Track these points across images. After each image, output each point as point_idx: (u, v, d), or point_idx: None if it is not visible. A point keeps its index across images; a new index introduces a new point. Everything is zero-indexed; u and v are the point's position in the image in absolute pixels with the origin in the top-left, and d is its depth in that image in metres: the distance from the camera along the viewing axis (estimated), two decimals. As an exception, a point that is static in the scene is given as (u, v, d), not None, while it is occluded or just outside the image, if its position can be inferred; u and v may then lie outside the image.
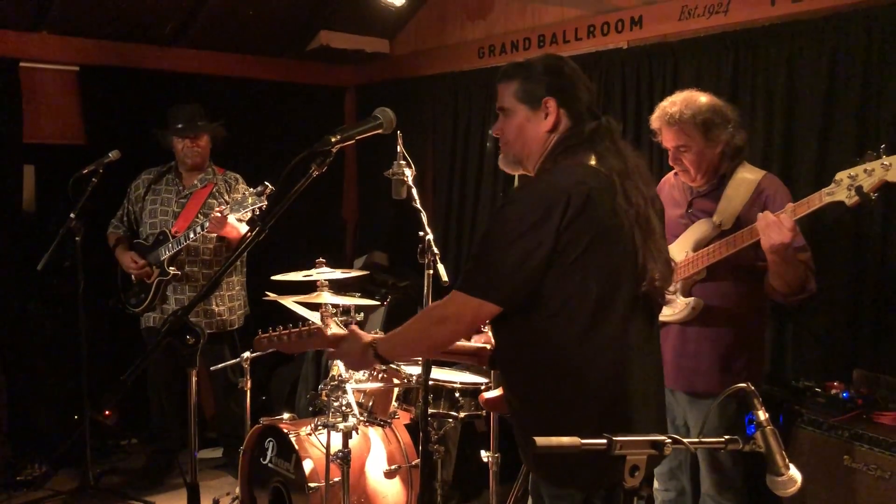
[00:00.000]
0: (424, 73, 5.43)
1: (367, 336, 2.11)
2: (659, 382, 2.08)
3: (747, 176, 2.75)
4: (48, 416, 4.65)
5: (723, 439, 1.44)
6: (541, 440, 1.29)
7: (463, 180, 5.18)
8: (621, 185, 1.92)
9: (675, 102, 2.76)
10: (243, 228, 3.97)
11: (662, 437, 1.36)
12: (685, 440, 1.39)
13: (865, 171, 2.34)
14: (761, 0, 3.52)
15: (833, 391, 2.94)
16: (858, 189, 2.34)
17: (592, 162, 1.94)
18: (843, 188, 2.39)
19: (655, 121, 2.81)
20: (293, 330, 2.15)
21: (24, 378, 4.58)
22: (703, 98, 2.76)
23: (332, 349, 2.15)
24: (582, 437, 1.34)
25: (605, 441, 1.32)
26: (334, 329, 2.15)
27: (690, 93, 2.80)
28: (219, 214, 3.78)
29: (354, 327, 2.17)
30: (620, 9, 4.16)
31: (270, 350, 2.21)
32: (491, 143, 4.98)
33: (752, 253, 2.63)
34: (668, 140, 2.78)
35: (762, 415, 1.45)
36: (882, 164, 2.31)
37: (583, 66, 4.43)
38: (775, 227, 2.43)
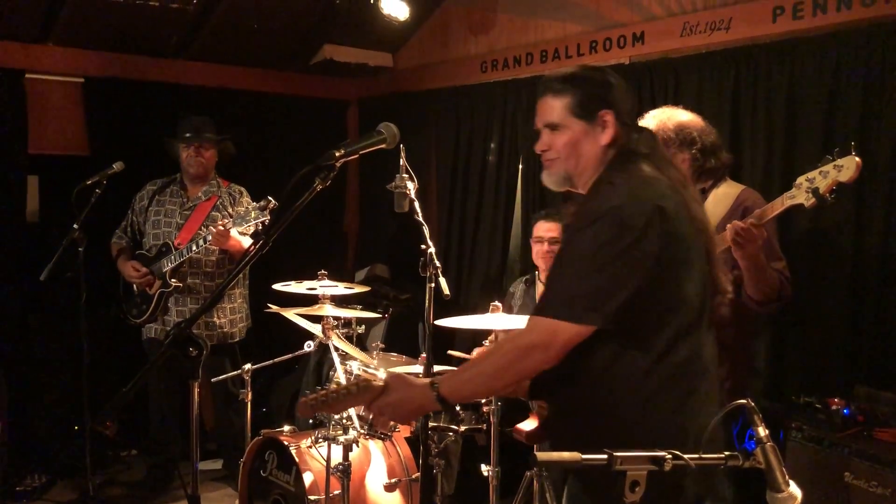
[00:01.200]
0: (427, 87, 5.46)
1: (419, 379, 1.89)
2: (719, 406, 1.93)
3: (728, 190, 2.81)
4: (48, 426, 4.65)
5: (723, 455, 1.44)
6: (542, 455, 1.29)
7: (465, 194, 5.19)
8: (685, 196, 1.90)
9: (652, 117, 2.83)
10: (246, 242, 3.98)
11: (662, 453, 1.37)
12: (685, 456, 1.39)
13: (821, 173, 2.44)
14: (763, 17, 3.54)
15: (834, 407, 2.93)
16: (815, 191, 2.43)
17: (658, 174, 1.90)
18: (802, 191, 2.47)
19: None
20: (339, 388, 1.88)
21: (25, 388, 4.58)
22: (677, 117, 2.81)
23: (381, 403, 1.87)
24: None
25: (605, 456, 1.32)
26: (381, 376, 1.92)
27: (667, 110, 2.86)
28: (222, 228, 3.79)
29: (402, 373, 1.96)
30: (622, 25, 4.19)
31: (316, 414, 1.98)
32: (494, 156, 5.00)
33: (730, 263, 2.66)
34: None
35: (762, 431, 1.45)
36: (835, 165, 2.41)
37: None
38: (743, 233, 2.49)
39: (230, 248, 3.99)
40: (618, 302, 1.77)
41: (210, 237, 3.84)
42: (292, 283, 3.62)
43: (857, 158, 2.38)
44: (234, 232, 3.84)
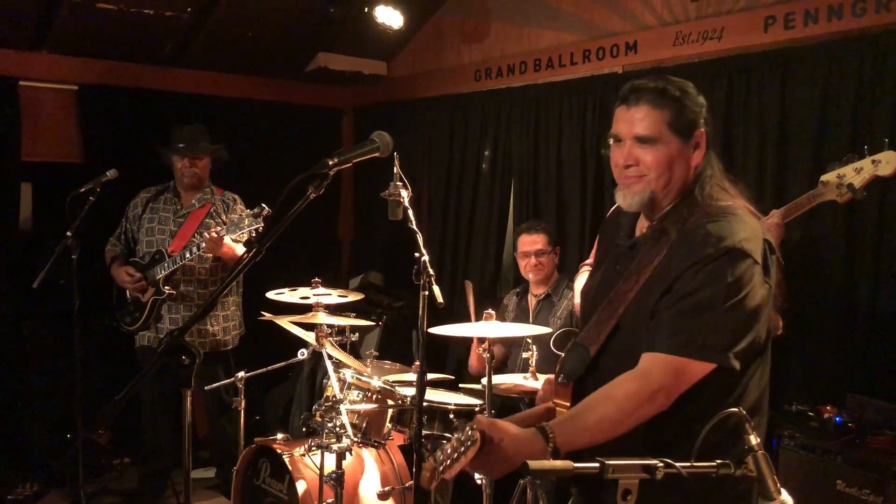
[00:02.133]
0: (421, 96, 5.47)
1: (522, 429, 1.65)
2: None
3: None
4: (40, 434, 4.62)
5: (715, 463, 1.44)
6: (533, 463, 1.29)
7: (459, 202, 5.20)
8: None
9: None
10: (240, 249, 3.98)
11: (654, 462, 1.37)
12: (677, 464, 1.39)
13: (855, 169, 2.45)
14: (754, 27, 3.57)
15: (826, 415, 2.95)
16: (850, 186, 2.43)
17: (742, 202, 1.83)
18: (831, 188, 2.49)
19: None
20: (453, 451, 1.58)
21: (18, 396, 4.56)
22: None
23: (492, 460, 1.60)
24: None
25: (597, 465, 1.32)
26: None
27: None
28: (215, 235, 3.79)
29: (494, 421, 1.66)
30: (616, 34, 4.21)
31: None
32: (488, 165, 5.01)
33: None
34: None
35: (753, 439, 1.46)
36: (872, 160, 2.41)
37: (578, 90, 4.51)
38: (772, 230, 2.48)
39: (223, 255, 3.98)
40: (750, 339, 1.72)
41: (203, 245, 3.84)
42: (286, 290, 3.62)
43: None
44: (227, 239, 3.83)
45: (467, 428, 1.58)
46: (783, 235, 2.52)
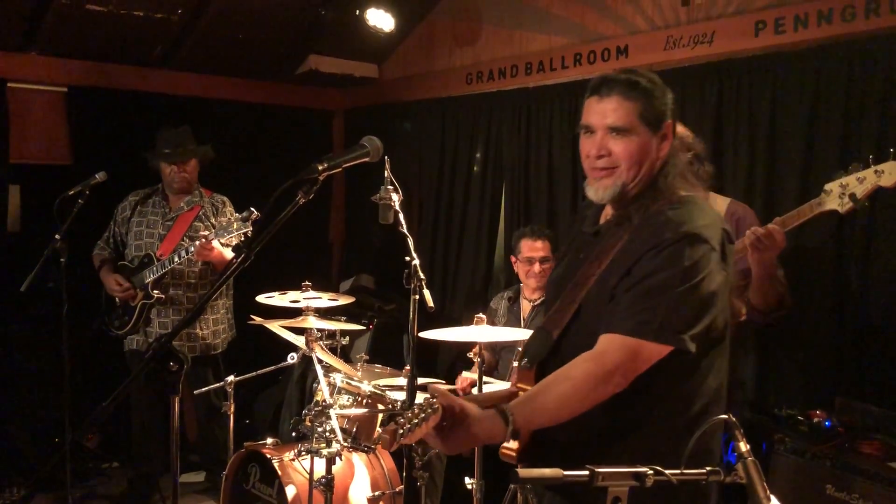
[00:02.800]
0: (412, 98, 5.47)
1: (484, 410, 1.68)
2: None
3: (714, 204, 2.82)
4: (28, 438, 4.59)
5: (704, 470, 1.44)
6: (524, 471, 1.29)
7: (450, 205, 5.20)
8: None
9: None
10: (229, 254, 3.95)
11: (644, 469, 1.37)
12: (667, 471, 1.39)
13: (858, 179, 2.43)
14: (745, 31, 3.58)
15: (815, 419, 2.96)
16: (853, 196, 2.42)
17: (702, 193, 1.87)
18: (833, 197, 2.47)
19: None
20: (416, 414, 1.59)
21: (5, 399, 4.53)
22: None
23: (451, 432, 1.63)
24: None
25: (587, 472, 1.32)
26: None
27: None
28: (204, 241, 3.77)
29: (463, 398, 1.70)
30: (606, 38, 4.22)
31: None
32: (479, 167, 5.01)
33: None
34: None
35: (743, 446, 1.45)
36: (875, 170, 2.40)
37: (569, 94, 4.51)
38: (766, 239, 2.49)
39: (213, 259, 3.96)
40: (706, 324, 1.74)
41: (192, 249, 3.82)
42: (275, 294, 3.60)
43: None
44: (216, 244, 3.82)
45: (428, 396, 1.60)
46: (784, 245, 2.50)
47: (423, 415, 1.59)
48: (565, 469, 1.36)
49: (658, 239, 1.75)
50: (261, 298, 3.59)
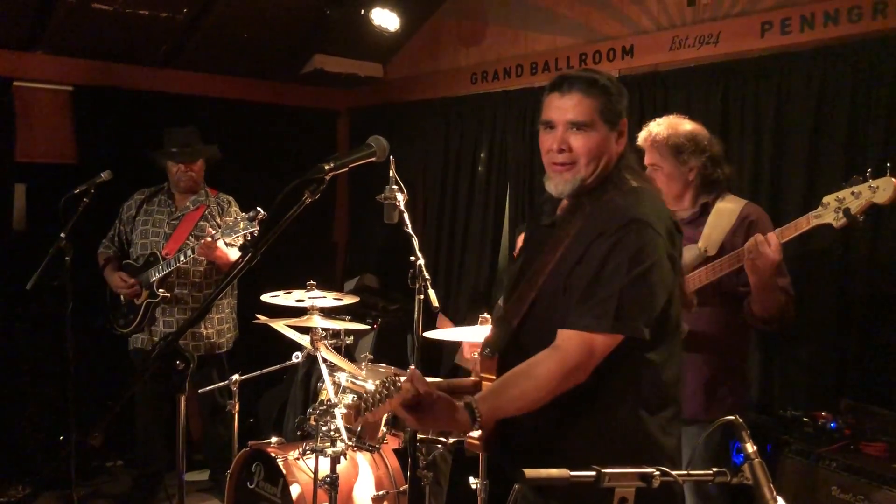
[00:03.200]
0: (417, 98, 5.47)
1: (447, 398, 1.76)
2: None
3: (729, 205, 2.81)
4: (33, 436, 4.60)
5: (711, 472, 1.44)
6: (530, 472, 1.29)
7: (454, 205, 5.20)
8: None
9: (660, 123, 2.85)
10: (234, 253, 3.96)
11: (651, 470, 1.37)
12: (674, 472, 1.39)
13: (853, 193, 2.41)
14: (751, 32, 3.57)
15: (821, 421, 2.95)
16: (846, 211, 2.41)
17: (652, 186, 1.98)
18: (830, 211, 2.45)
19: (640, 139, 2.90)
20: (377, 392, 1.69)
21: (10, 398, 4.54)
22: (687, 125, 2.83)
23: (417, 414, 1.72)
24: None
25: (593, 473, 1.32)
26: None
27: (677, 118, 2.88)
28: (209, 240, 3.77)
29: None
30: (612, 38, 4.21)
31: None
32: (483, 167, 5.01)
33: (735, 279, 2.69)
34: (646, 158, 2.86)
35: (750, 447, 1.45)
36: (870, 186, 2.38)
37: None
38: (762, 247, 2.49)
39: (217, 259, 3.97)
40: (655, 311, 1.81)
41: (197, 248, 3.83)
42: (280, 293, 3.61)
43: (894, 179, 2.35)
44: (221, 243, 3.82)
45: (393, 376, 1.69)
46: (779, 256, 2.50)
47: (386, 392, 1.67)
48: (572, 470, 1.36)
49: (605, 226, 1.81)
50: (266, 298, 3.60)
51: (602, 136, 1.90)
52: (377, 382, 1.70)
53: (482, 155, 5.00)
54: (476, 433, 1.95)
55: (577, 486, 1.54)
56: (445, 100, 5.23)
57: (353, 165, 1.86)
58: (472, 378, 2.09)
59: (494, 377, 1.97)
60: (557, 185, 1.94)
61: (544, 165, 1.98)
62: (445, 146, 5.25)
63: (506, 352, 1.97)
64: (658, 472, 1.36)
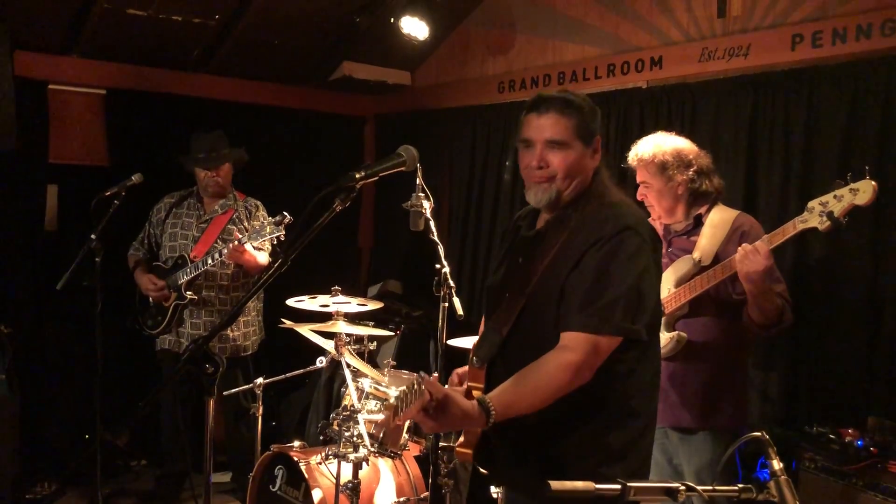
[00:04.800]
0: (444, 106, 5.49)
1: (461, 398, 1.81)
2: None
3: (723, 216, 2.88)
4: (60, 434, 4.66)
5: (737, 487, 1.44)
6: (556, 484, 1.29)
7: (479, 213, 5.20)
8: None
9: (645, 142, 2.94)
10: (261, 257, 4.00)
11: (676, 484, 1.37)
12: (699, 487, 1.39)
13: (835, 197, 2.51)
14: (781, 44, 3.55)
15: (847, 438, 2.92)
16: (829, 214, 2.49)
17: (629, 200, 2.10)
18: (815, 215, 2.54)
19: (629, 158, 2.98)
20: (404, 396, 1.73)
21: (38, 396, 4.61)
22: (671, 142, 2.91)
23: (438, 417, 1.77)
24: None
25: (619, 486, 1.32)
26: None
27: (661, 135, 2.96)
28: (237, 244, 3.81)
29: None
30: (641, 49, 4.21)
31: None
32: (510, 175, 5.01)
33: (730, 287, 2.75)
34: (637, 177, 2.96)
35: (776, 464, 1.45)
36: (850, 189, 2.47)
37: (602, 105, 4.46)
38: (752, 255, 2.55)
39: (246, 263, 4.01)
40: (649, 313, 1.92)
41: (225, 252, 3.87)
42: (305, 298, 3.63)
43: (873, 182, 2.44)
44: (248, 247, 3.86)
45: (414, 381, 1.73)
46: (769, 262, 2.55)
47: (412, 396, 1.72)
48: (595, 483, 1.37)
49: (600, 233, 1.93)
50: (291, 302, 3.62)
51: (578, 153, 2.02)
52: (403, 388, 1.73)
53: (508, 163, 5.01)
54: (463, 442, 2.05)
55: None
56: (472, 108, 5.24)
57: (383, 174, 1.88)
58: (461, 388, 2.15)
59: (483, 386, 2.07)
60: (536, 194, 2.06)
61: (524, 179, 2.10)
62: (472, 154, 5.26)
63: (494, 361, 2.06)
64: (683, 487, 1.36)
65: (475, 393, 2.04)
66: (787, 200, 3.51)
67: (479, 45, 5.26)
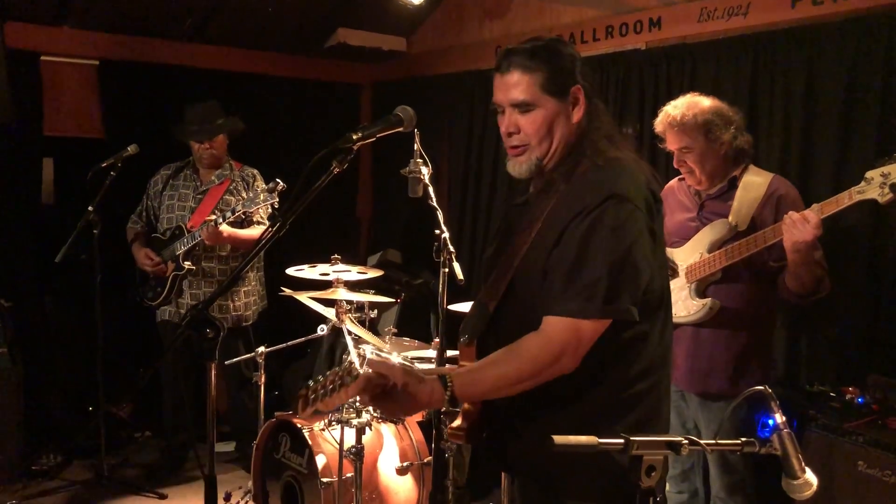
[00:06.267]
0: (441, 72, 5.44)
1: (428, 376, 1.71)
2: None
3: (757, 179, 2.79)
4: (63, 407, 4.70)
5: (739, 441, 1.44)
6: (559, 438, 1.29)
7: (478, 178, 5.18)
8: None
9: (678, 106, 2.82)
10: (243, 233, 4.00)
11: (679, 438, 1.37)
12: (702, 441, 1.39)
13: None
14: (781, 2, 3.51)
15: (848, 396, 2.93)
16: (893, 186, 2.35)
17: (626, 153, 1.86)
18: (874, 186, 2.40)
19: (659, 125, 2.87)
20: (333, 380, 1.66)
21: (40, 369, 4.62)
22: (706, 101, 2.82)
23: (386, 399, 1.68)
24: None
25: (622, 441, 1.32)
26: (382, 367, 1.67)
27: (693, 96, 2.86)
28: (213, 226, 3.80)
29: (407, 365, 1.72)
30: (639, 10, 4.15)
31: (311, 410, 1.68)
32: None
33: (766, 254, 2.67)
34: (672, 143, 2.84)
35: (779, 417, 1.45)
36: None
37: (601, 67, 4.45)
38: (801, 224, 2.45)
39: (228, 242, 4.02)
40: (641, 289, 1.74)
41: (202, 235, 3.87)
42: (305, 267, 3.62)
43: None
44: (225, 226, 3.85)
45: (349, 364, 1.64)
46: (819, 232, 2.45)
47: (339, 381, 1.61)
48: (599, 437, 1.36)
49: (582, 204, 1.73)
50: (291, 271, 3.61)
51: (550, 111, 1.81)
52: (329, 372, 1.63)
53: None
54: (459, 422, 1.91)
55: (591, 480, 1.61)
56: (470, 73, 5.19)
57: (380, 135, 1.85)
58: (449, 367, 2.04)
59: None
60: (514, 166, 1.88)
61: (505, 147, 1.93)
62: (470, 119, 5.23)
63: (484, 337, 1.90)
64: (686, 441, 1.36)
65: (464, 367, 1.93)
66: (788, 162, 3.49)
67: (475, 8, 5.20)
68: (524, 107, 1.81)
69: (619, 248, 1.70)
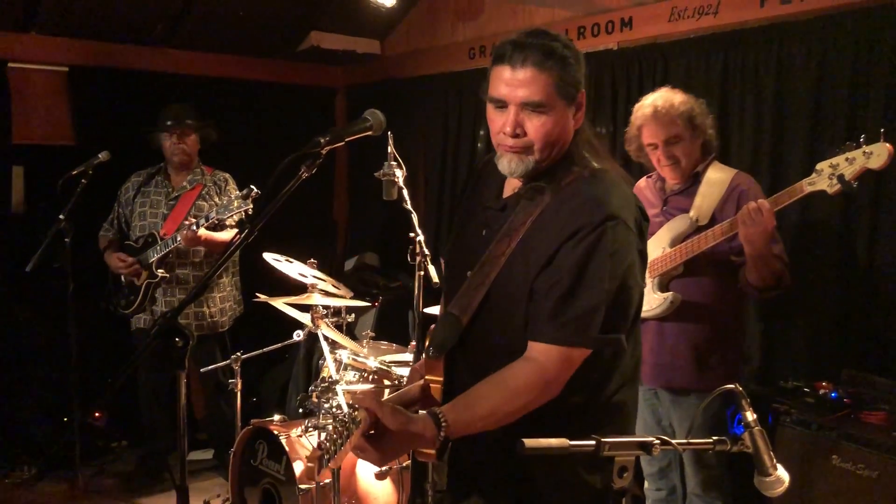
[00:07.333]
0: (415, 74, 5.43)
1: (417, 415, 1.59)
2: None
3: (719, 174, 2.83)
4: (37, 418, 4.62)
5: (711, 440, 1.44)
6: (529, 442, 1.29)
7: (454, 181, 5.18)
8: None
9: (658, 97, 2.85)
10: (220, 236, 3.96)
11: (650, 438, 1.37)
12: (673, 441, 1.39)
13: (847, 159, 2.43)
14: (750, 1, 3.53)
15: (821, 391, 2.96)
16: (840, 177, 2.42)
17: (614, 164, 1.81)
18: (824, 177, 2.46)
19: (639, 119, 2.87)
20: (336, 434, 1.58)
21: (13, 380, 4.56)
22: (681, 95, 2.85)
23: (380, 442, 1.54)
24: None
25: (593, 443, 1.32)
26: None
27: (667, 90, 2.89)
28: (191, 229, 3.77)
29: (393, 405, 1.58)
30: (610, 10, 4.17)
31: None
32: (483, 143, 4.98)
33: (727, 247, 2.71)
34: (655, 135, 2.83)
35: (750, 415, 1.46)
36: (864, 152, 2.40)
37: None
38: (754, 215, 2.49)
39: (204, 245, 3.98)
40: (631, 315, 1.71)
41: (179, 238, 3.84)
42: (282, 259, 3.56)
43: (889, 145, 2.36)
44: (202, 230, 3.82)
45: (351, 409, 1.56)
46: (772, 223, 2.50)
47: (346, 432, 1.53)
48: (570, 439, 1.36)
49: (576, 225, 1.64)
50: (268, 258, 3.53)
51: (559, 115, 1.68)
52: (332, 425, 1.55)
53: (481, 131, 4.97)
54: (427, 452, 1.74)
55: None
56: (444, 75, 5.19)
57: (349, 139, 1.83)
58: (417, 384, 1.88)
59: (442, 379, 1.81)
60: (510, 164, 1.73)
61: (493, 143, 1.77)
62: (444, 122, 5.22)
63: (453, 352, 1.81)
64: (658, 441, 1.36)
65: (434, 387, 1.82)
66: (759, 159, 3.52)
67: (448, 11, 5.20)
68: (537, 108, 1.67)
69: (616, 275, 1.64)
